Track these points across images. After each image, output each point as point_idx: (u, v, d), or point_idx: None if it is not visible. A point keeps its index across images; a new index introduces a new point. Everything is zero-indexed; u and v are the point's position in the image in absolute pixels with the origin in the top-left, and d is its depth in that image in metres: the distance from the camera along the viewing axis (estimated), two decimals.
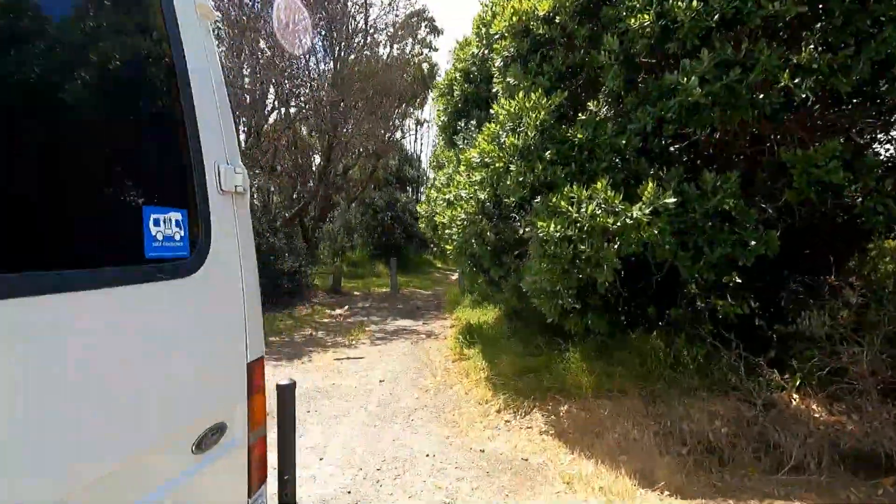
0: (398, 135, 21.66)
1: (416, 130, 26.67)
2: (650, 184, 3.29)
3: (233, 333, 1.45)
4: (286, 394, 2.25)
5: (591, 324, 4.27)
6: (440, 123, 6.49)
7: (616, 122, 3.84)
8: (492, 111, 4.41)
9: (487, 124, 4.39)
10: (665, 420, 3.82)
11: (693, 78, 3.12)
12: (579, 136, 3.79)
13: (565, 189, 3.52)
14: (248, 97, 11.76)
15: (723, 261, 3.39)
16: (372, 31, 15.55)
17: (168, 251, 1.22)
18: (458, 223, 4.97)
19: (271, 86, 12.53)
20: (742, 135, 4.02)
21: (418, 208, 7.49)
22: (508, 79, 4.28)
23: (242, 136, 12.38)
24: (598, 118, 3.91)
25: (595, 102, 4.04)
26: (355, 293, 12.90)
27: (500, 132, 4.13)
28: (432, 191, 6.77)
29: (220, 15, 10.47)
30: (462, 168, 4.88)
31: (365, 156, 22.30)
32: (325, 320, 9.62)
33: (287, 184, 15.63)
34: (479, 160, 4.38)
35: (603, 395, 4.36)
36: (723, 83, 3.08)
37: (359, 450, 3.96)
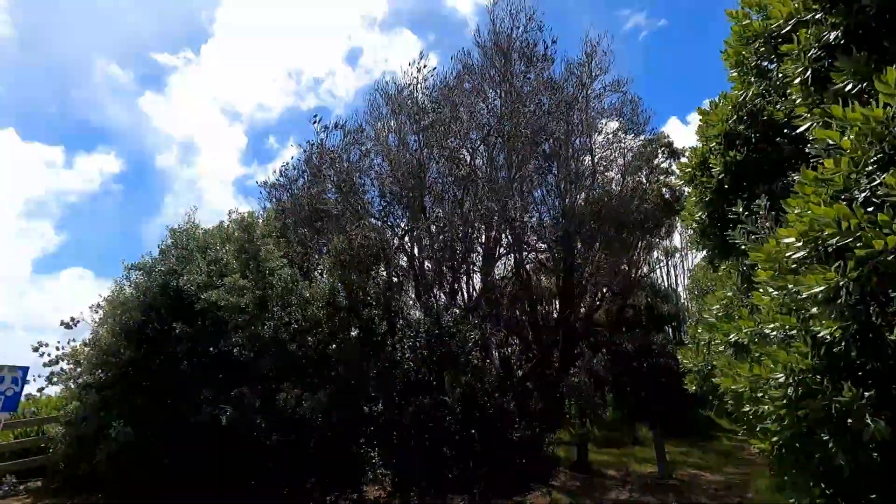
0: (644, 269, 19.03)
1: (667, 262, 23.33)
2: None
3: None
4: None
5: None
6: (695, 224, 4.22)
7: None
8: (794, 176, 2.15)
9: (802, 184, 2.11)
10: None
11: None
12: None
13: None
14: (480, 249, 11.54)
15: None
16: (602, 168, 14.52)
17: None
18: (775, 391, 2.45)
19: (503, 235, 12.19)
20: None
21: (680, 357, 4.91)
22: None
23: (473, 283, 11.97)
24: None
25: None
26: (608, 472, 9.79)
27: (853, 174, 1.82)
28: (701, 329, 4.27)
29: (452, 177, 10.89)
30: (760, 279, 2.51)
31: (609, 296, 19.98)
32: None
33: (522, 335, 14.41)
34: (805, 247, 2.05)
35: None
36: None
37: None
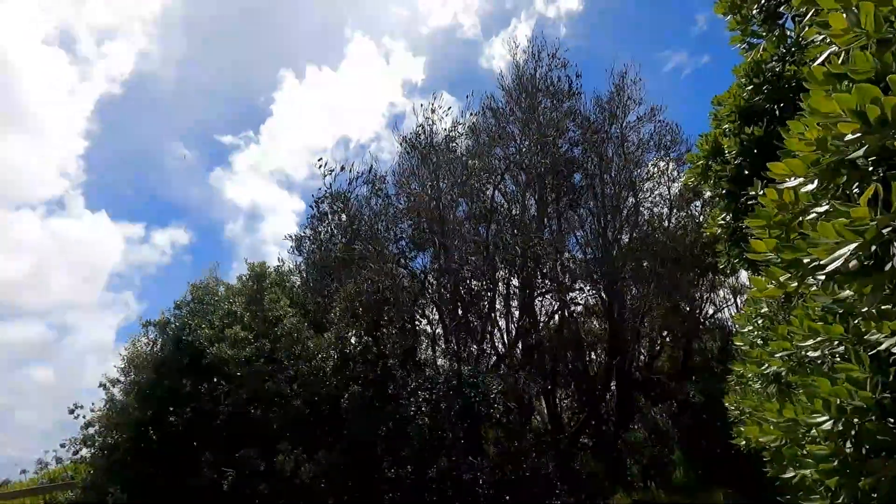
0: (710, 310, 17.24)
1: (735, 300, 21.14)
2: None
3: None
4: None
5: None
6: (719, 230, 3.30)
7: None
8: None
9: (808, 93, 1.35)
10: None
11: None
12: None
13: None
14: (514, 292, 10.77)
15: None
16: (646, 202, 13.55)
17: None
18: (817, 447, 1.58)
19: (537, 276, 11.36)
20: None
21: (726, 402, 3.89)
22: None
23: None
24: None
25: None
26: None
27: None
28: (743, 367, 3.32)
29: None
30: (758, 255, 1.67)
31: (670, 341, 18.17)
32: None
33: (569, 386, 13.10)
34: (817, 176, 1.27)
35: None
36: None
37: None
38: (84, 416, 8.78)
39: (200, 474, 6.60)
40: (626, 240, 12.50)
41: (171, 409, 7.46)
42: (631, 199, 12.64)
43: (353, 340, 7.74)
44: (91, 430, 8.64)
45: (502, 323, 10.03)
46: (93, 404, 8.55)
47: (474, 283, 9.08)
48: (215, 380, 7.66)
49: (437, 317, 9.47)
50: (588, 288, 12.29)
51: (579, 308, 13.17)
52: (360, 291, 7.63)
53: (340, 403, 7.37)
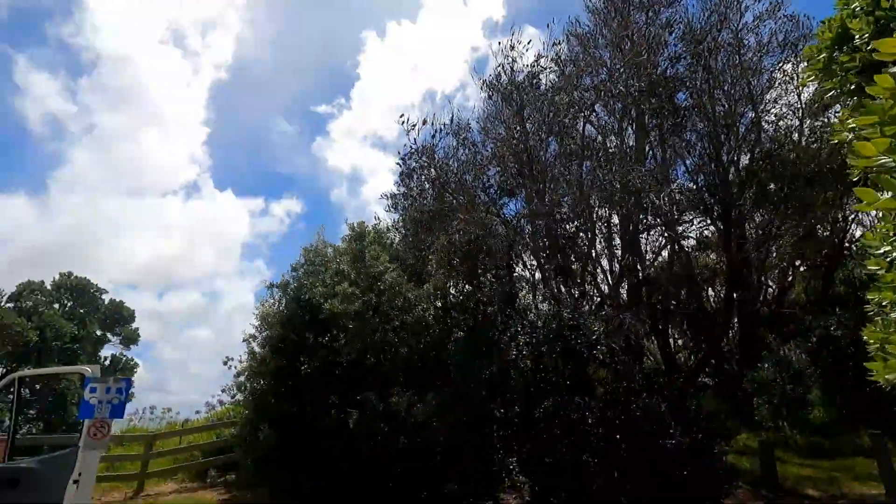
0: (857, 232, 14.96)
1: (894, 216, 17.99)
2: None
3: None
4: None
5: None
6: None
7: None
8: None
9: None
10: None
11: None
12: None
13: None
14: (615, 229, 10.22)
15: None
16: (770, 114, 11.85)
17: None
18: None
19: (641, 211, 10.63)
20: None
21: (864, 335, 3.42)
22: None
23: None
24: None
25: None
26: (807, 491, 7.62)
27: None
28: (877, 294, 2.88)
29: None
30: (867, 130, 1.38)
31: (806, 269, 16.27)
32: None
33: (683, 325, 12.38)
34: None
35: None
36: None
37: None
38: (235, 367, 10.31)
39: (329, 415, 7.45)
40: (746, 161, 11.09)
41: (300, 359, 8.41)
42: (749, 114, 11.09)
43: (451, 290, 7.98)
44: (241, 378, 10.11)
45: (604, 263, 9.63)
46: (240, 356, 9.97)
47: (570, 224, 8.76)
48: (332, 333, 8.45)
49: (534, 262, 9.37)
50: (700, 219, 11.25)
51: (691, 241, 12.18)
52: (455, 242, 7.77)
53: (444, 350, 7.75)
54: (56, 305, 26.20)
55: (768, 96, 11.54)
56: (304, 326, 8.57)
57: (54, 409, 20.98)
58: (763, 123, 11.21)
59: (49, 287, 26.59)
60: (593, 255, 9.10)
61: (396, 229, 9.37)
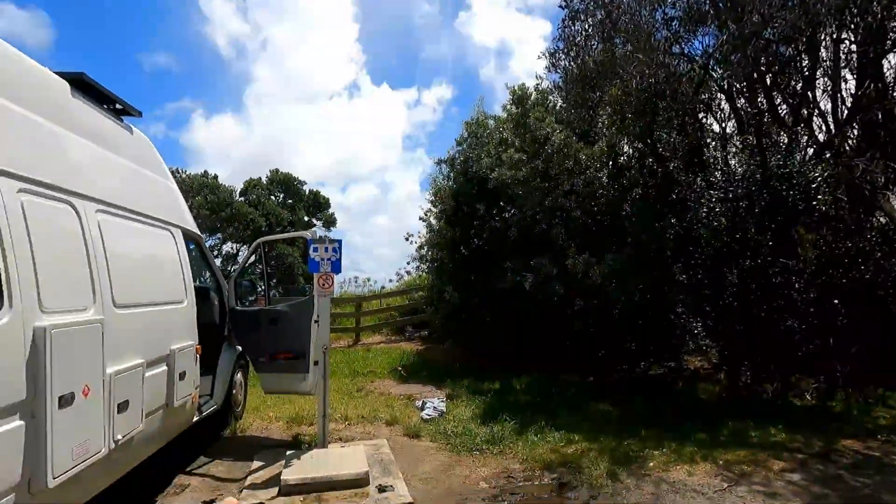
0: None
1: None
2: None
3: None
4: None
5: None
6: None
7: None
8: None
9: None
10: None
11: None
12: None
13: None
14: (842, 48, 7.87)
15: None
16: None
17: None
18: None
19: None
20: None
21: None
22: None
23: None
24: None
25: None
26: None
27: None
28: None
29: None
30: None
31: None
32: None
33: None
34: None
35: None
36: None
37: None
38: (415, 241, 11.38)
39: (506, 278, 7.84)
40: None
41: (472, 230, 8.83)
42: None
43: (625, 148, 7.26)
44: (423, 251, 11.16)
45: (826, 103, 7.65)
46: (419, 232, 10.92)
47: (782, 48, 6.96)
48: (501, 203, 8.57)
49: (727, 107, 7.89)
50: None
51: None
52: (628, 92, 6.86)
53: (620, 212, 7.30)
54: (272, 197, 31.72)
55: None
56: (474, 197, 8.83)
57: (285, 280, 26.40)
58: None
59: (265, 182, 32.08)
60: (813, 89, 7.24)
61: (559, 89, 8.62)
